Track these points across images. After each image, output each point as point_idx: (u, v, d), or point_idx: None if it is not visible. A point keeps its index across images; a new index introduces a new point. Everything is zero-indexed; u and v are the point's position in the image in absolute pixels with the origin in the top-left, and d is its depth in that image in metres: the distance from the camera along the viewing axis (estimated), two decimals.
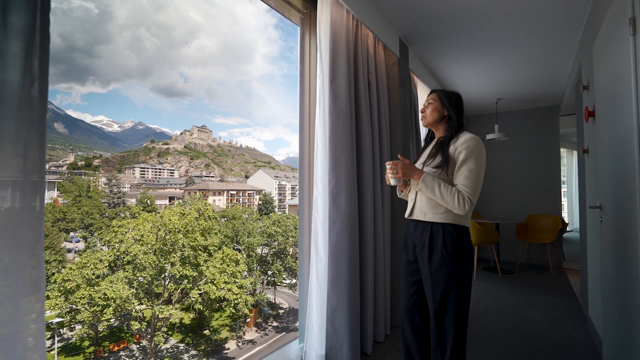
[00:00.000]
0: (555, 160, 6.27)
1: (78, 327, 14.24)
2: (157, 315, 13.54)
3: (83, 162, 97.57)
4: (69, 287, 12.33)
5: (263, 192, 64.03)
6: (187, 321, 17.67)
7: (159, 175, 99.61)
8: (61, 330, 15.59)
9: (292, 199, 70.60)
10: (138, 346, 16.24)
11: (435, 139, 1.98)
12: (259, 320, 19.44)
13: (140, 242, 13.46)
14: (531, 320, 3.54)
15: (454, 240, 1.74)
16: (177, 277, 13.88)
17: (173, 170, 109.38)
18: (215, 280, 14.13)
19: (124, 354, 15.68)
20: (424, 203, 1.83)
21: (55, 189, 53.01)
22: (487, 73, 4.67)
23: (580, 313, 3.75)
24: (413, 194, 1.91)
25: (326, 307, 2.43)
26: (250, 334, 18.28)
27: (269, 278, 20.04)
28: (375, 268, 2.93)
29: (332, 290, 2.42)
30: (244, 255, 18.65)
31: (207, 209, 16.06)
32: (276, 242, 19.99)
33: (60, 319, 13.09)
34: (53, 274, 15.18)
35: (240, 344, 17.25)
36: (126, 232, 13.93)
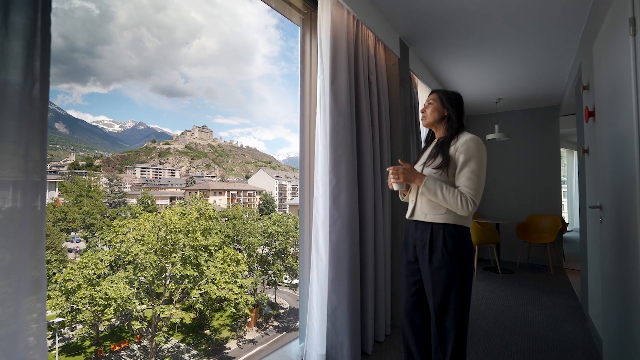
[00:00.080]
0: (556, 160, 6.26)
1: (79, 326, 14.27)
2: (158, 315, 13.54)
3: (84, 162, 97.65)
4: (70, 287, 12.34)
5: (264, 192, 64.01)
6: (187, 321, 17.68)
7: (160, 175, 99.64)
8: (62, 330, 15.61)
9: (292, 199, 70.66)
10: (139, 346, 16.26)
11: (436, 140, 1.98)
12: (260, 320, 19.45)
13: (141, 242, 13.47)
14: (531, 320, 3.54)
15: (455, 240, 1.74)
16: (178, 277, 13.88)
17: (174, 170, 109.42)
18: (216, 280, 14.13)
19: (124, 353, 15.70)
20: (424, 204, 1.83)
21: (57, 189, 53.09)
22: (488, 73, 4.67)
23: (581, 313, 3.75)
24: (414, 195, 1.91)
25: (327, 306, 2.44)
26: (251, 333, 18.29)
27: (269, 278, 20.06)
28: (375, 268, 2.93)
29: (332, 290, 2.42)
30: (245, 255, 18.66)
31: (207, 209, 16.07)
32: (277, 242, 20.01)
33: (61, 319, 13.11)
34: (54, 273, 15.21)
35: (241, 344, 17.26)
36: (127, 232, 13.93)
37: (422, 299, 1.90)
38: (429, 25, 3.41)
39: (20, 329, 1.09)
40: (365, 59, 2.95)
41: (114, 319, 13.31)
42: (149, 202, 43.87)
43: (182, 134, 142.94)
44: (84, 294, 12.19)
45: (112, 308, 12.34)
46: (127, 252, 13.49)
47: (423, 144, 2.15)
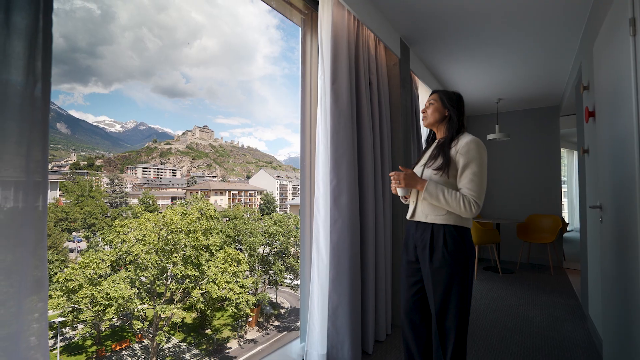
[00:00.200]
0: (556, 160, 6.26)
1: (80, 326, 14.28)
2: (159, 314, 13.55)
3: (85, 162, 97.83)
4: (71, 287, 12.36)
5: (265, 192, 64.09)
6: (189, 320, 17.69)
7: (161, 175, 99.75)
8: (64, 329, 15.62)
9: (293, 199, 70.68)
10: (140, 345, 16.27)
11: (436, 141, 1.98)
12: (261, 319, 19.46)
13: (143, 242, 13.48)
14: (531, 320, 3.55)
15: (455, 240, 1.74)
16: (179, 276, 13.89)
17: (175, 170, 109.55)
18: (217, 279, 14.14)
19: (126, 353, 15.71)
20: (425, 205, 1.83)
21: (58, 189, 53.11)
22: (488, 73, 4.67)
23: (581, 312, 3.75)
24: (414, 196, 1.91)
25: (327, 306, 2.44)
26: (252, 333, 18.29)
27: (270, 277, 20.06)
28: (376, 268, 2.93)
29: (333, 289, 2.43)
30: (246, 254, 18.66)
31: (209, 209, 16.07)
32: (278, 242, 20.03)
33: (62, 319, 13.12)
34: (55, 273, 15.22)
35: (242, 344, 17.27)
36: (128, 232, 13.95)
37: (422, 299, 1.90)
38: (429, 26, 3.41)
39: (22, 328, 1.09)
40: (365, 59, 2.95)
41: (115, 319, 13.31)
42: (150, 202, 43.93)
43: (183, 134, 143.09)
44: (85, 294, 12.21)
45: (113, 308, 12.35)
46: (128, 252, 13.50)
47: (424, 145, 2.16)
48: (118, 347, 15.87)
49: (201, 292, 14.33)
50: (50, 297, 12.46)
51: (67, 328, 15.60)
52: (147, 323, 13.85)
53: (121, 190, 54.62)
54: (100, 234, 27.54)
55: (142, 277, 13.74)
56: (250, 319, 18.25)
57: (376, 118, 3.04)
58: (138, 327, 13.02)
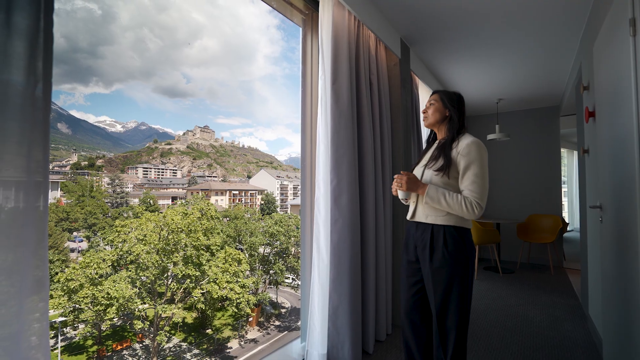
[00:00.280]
0: (556, 160, 6.26)
1: (81, 326, 14.28)
2: (160, 314, 13.57)
3: (86, 162, 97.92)
4: (72, 287, 12.39)
5: (265, 192, 64.12)
6: (189, 320, 17.69)
7: (162, 175, 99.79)
8: (64, 329, 15.63)
9: (294, 198, 70.69)
10: (141, 345, 16.28)
11: (437, 141, 1.98)
12: (261, 319, 19.47)
13: (143, 242, 13.50)
14: (532, 320, 3.55)
15: (456, 240, 1.75)
16: (180, 276, 13.91)
17: (176, 170, 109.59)
18: (217, 279, 14.16)
19: (126, 353, 15.73)
20: (425, 205, 1.84)
21: (59, 189, 53.14)
22: (488, 73, 4.67)
23: (581, 312, 3.75)
24: (414, 196, 1.91)
25: (328, 306, 2.44)
26: (253, 333, 18.31)
27: (271, 277, 20.07)
28: (376, 267, 2.94)
29: (333, 289, 2.43)
30: (246, 254, 18.66)
31: (209, 209, 16.10)
32: (278, 242, 20.04)
33: (63, 318, 13.14)
34: (56, 273, 15.22)
35: (242, 343, 17.28)
36: (129, 232, 13.97)
37: (422, 299, 1.90)
38: (430, 26, 3.42)
39: (23, 328, 1.10)
40: (366, 59, 2.96)
41: (116, 319, 13.35)
42: (151, 202, 43.94)
43: (184, 134, 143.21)
44: (86, 294, 12.24)
45: (114, 307, 12.38)
46: (129, 252, 13.52)
47: (424, 145, 2.16)
48: (119, 347, 15.88)
49: (202, 292, 14.36)
50: (51, 296, 12.48)
51: (68, 328, 15.60)
52: (148, 323, 13.87)
53: (122, 190, 54.67)
54: (101, 234, 27.56)
55: (142, 277, 13.77)
56: (250, 319, 18.27)
57: (376, 118, 3.04)
58: (139, 326, 13.05)
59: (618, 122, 1.96)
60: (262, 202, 54.31)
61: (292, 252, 20.48)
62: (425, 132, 4.07)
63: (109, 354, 15.46)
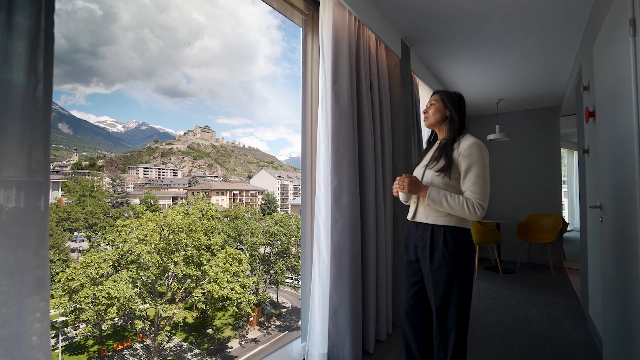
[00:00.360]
0: (556, 160, 6.26)
1: (82, 326, 14.32)
2: (161, 314, 13.58)
3: (87, 162, 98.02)
4: (73, 287, 12.40)
5: (266, 192, 64.11)
6: (190, 320, 17.71)
7: (163, 175, 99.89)
8: (65, 329, 15.64)
9: (294, 198, 70.69)
10: (142, 345, 16.29)
11: (438, 142, 1.98)
12: (262, 319, 19.47)
13: (144, 242, 13.51)
14: (532, 319, 3.55)
15: (456, 240, 1.75)
16: (181, 276, 13.92)
17: (176, 170, 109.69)
18: (218, 279, 14.17)
19: (127, 352, 15.73)
20: (426, 206, 1.84)
21: (60, 189, 53.23)
22: (488, 73, 4.67)
23: (581, 312, 3.75)
24: (415, 197, 1.91)
25: (328, 306, 2.44)
26: (253, 332, 18.30)
27: (271, 277, 20.08)
28: (377, 267, 2.94)
29: (334, 289, 2.43)
30: (247, 254, 18.67)
31: (210, 209, 16.12)
32: (279, 242, 20.03)
33: (64, 318, 13.16)
34: (57, 273, 15.23)
35: (243, 343, 17.28)
36: (130, 232, 13.99)
37: (422, 299, 1.90)
38: (430, 26, 3.42)
39: (24, 328, 1.10)
40: (366, 59, 2.96)
41: (117, 318, 13.38)
42: (152, 202, 43.93)
43: (184, 134, 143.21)
44: (87, 294, 12.25)
45: (115, 307, 12.40)
46: (129, 252, 13.54)
47: (425, 145, 2.16)
48: (120, 347, 15.89)
49: (202, 291, 14.36)
50: (52, 296, 12.51)
51: (68, 328, 15.62)
52: (149, 323, 13.88)
53: (123, 190, 54.73)
54: (102, 234, 27.58)
55: (143, 277, 13.79)
56: (251, 319, 18.28)
57: (377, 118, 3.05)
58: (139, 326, 13.07)
59: (618, 122, 1.96)
60: (263, 202, 54.30)
61: (293, 252, 20.47)
62: (425, 132, 4.07)
63: (109, 353, 15.47)
